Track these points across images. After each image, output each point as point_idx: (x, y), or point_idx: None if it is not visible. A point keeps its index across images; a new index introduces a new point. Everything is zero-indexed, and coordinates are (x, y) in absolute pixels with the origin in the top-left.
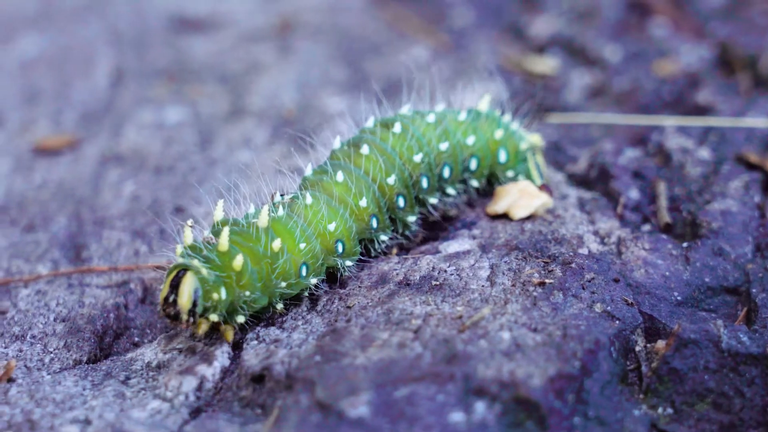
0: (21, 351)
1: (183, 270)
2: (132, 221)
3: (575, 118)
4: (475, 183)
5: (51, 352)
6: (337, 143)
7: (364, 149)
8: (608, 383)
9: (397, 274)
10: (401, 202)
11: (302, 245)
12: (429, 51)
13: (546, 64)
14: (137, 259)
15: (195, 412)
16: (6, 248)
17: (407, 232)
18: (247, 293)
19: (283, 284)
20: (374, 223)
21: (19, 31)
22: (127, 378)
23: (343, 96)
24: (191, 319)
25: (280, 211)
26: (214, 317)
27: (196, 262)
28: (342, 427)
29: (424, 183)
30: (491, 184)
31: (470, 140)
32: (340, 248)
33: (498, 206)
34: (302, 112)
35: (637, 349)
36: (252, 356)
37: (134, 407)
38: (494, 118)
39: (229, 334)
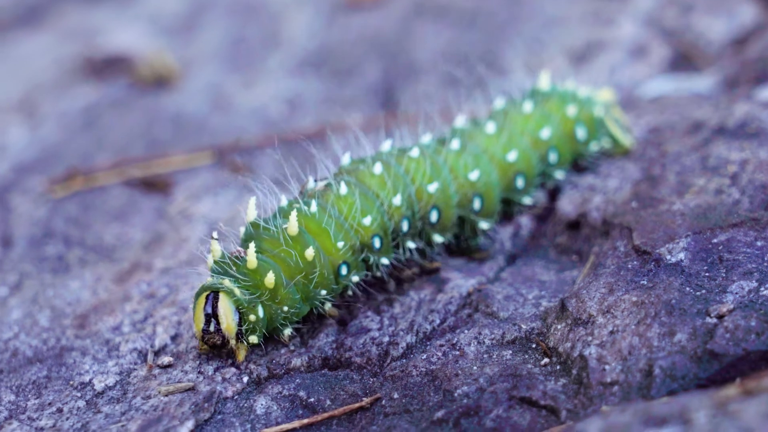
0: None
1: (213, 293)
2: (443, 71)
3: None
4: (559, 175)
5: None
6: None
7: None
8: None
9: (711, 119)
10: (434, 216)
11: (340, 244)
12: None
13: None
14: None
15: (511, 259)
16: (321, 97)
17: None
18: (286, 308)
19: (323, 292)
20: (404, 226)
21: None
22: None
23: None
24: (237, 343)
25: (313, 207)
26: (254, 339)
27: (227, 283)
28: (660, 273)
29: (476, 204)
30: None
31: (545, 133)
32: (377, 243)
33: None
34: None
35: None
36: (567, 203)
37: (452, 254)
38: (561, 94)
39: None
